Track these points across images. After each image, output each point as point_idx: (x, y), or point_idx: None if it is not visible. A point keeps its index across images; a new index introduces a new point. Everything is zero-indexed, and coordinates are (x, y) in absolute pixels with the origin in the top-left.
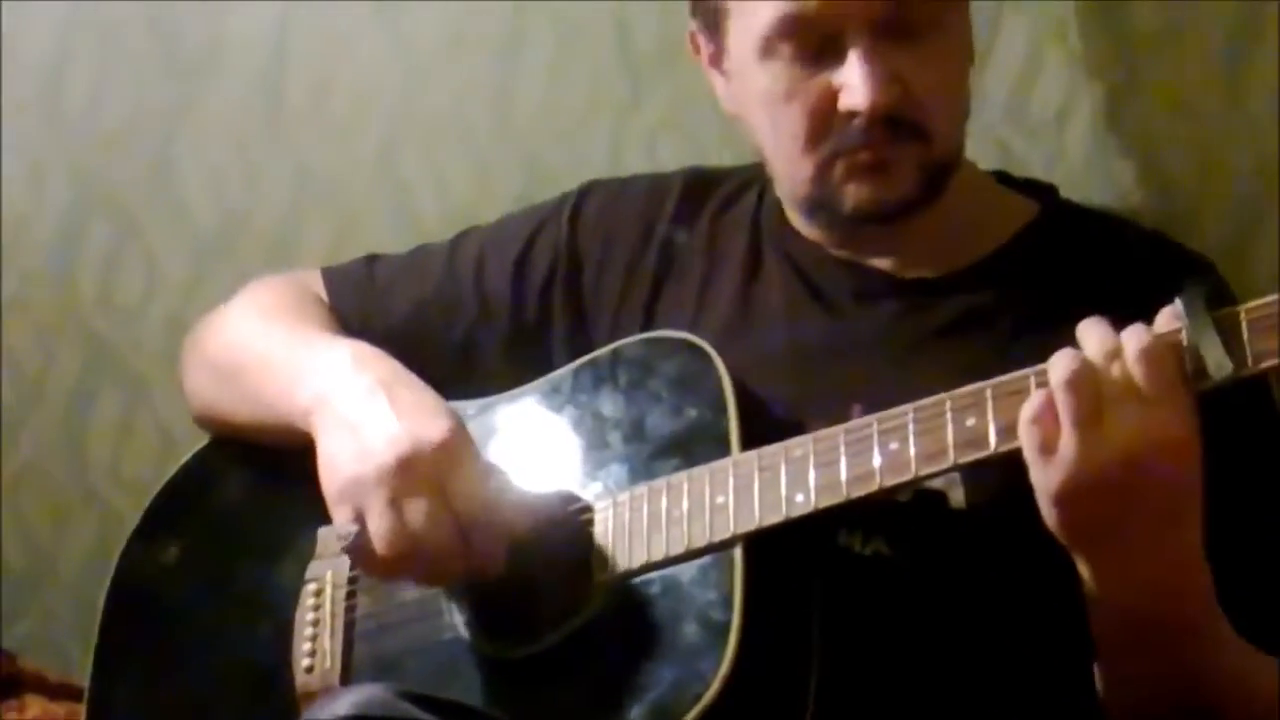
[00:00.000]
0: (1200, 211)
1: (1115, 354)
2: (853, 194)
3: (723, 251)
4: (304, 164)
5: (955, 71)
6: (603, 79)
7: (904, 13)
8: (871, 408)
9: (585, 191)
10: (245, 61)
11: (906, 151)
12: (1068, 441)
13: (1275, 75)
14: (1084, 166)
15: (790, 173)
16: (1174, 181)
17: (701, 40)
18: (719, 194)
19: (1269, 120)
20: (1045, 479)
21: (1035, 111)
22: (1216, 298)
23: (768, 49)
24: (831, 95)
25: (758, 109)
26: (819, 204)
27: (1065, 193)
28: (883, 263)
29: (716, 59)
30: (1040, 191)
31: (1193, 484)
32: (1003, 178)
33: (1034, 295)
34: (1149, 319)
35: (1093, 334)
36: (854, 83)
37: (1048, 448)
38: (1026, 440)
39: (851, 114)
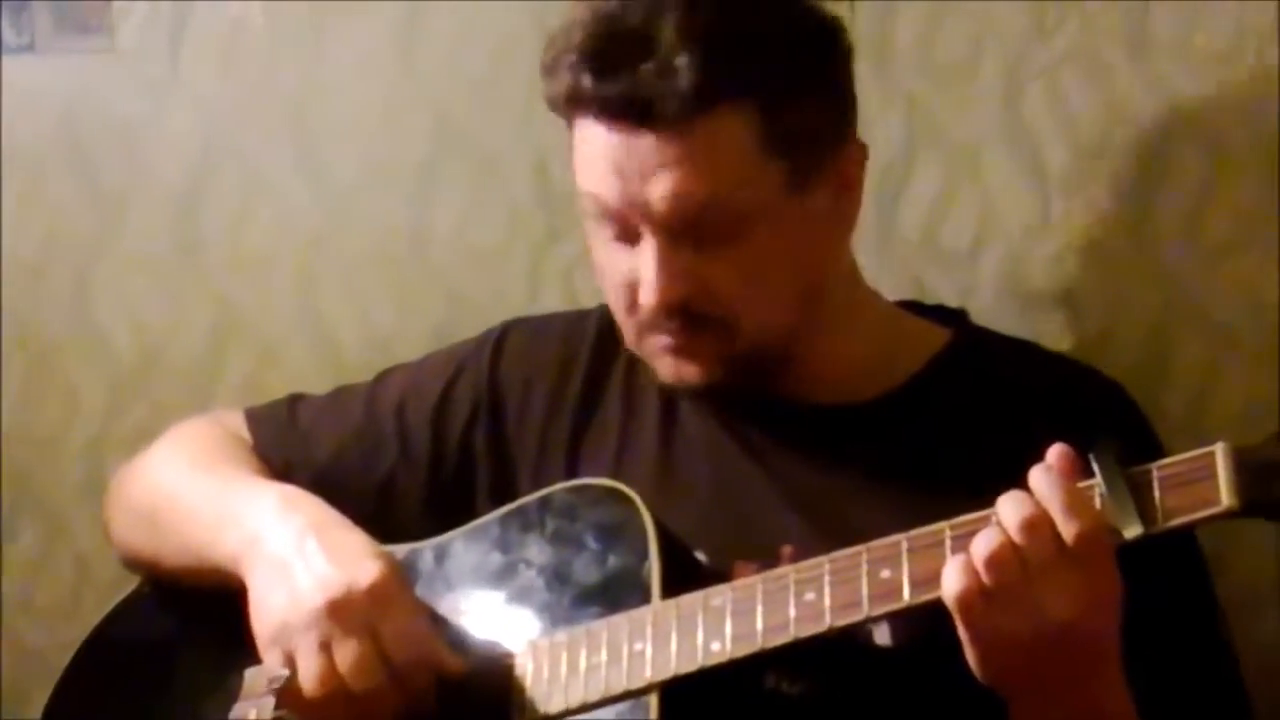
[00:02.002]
0: (1110, 342)
1: (1037, 522)
2: (663, 368)
3: (641, 391)
4: (222, 295)
5: (778, 262)
6: (520, 213)
7: (697, 223)
8: (800, 546)
9: (504, 332)
10: (163, 192)
11: (708, 342)
12: (994, 612)
13: (1182, 215)
14: (996, 299)
15: (623, 331)
16: (1084, 315)
17: None
18: None
19: (1177, 257)
20: (971, 638)
21: (947, 246)
22: (1125, 427)
23: (591, 219)
24: (634, 277)
25: (595, 266)
26: (646, 364)
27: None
28: (794, 395)
29: None
30: (950, 317)
31: (1114, 632)
32: (912, 306)
33: (949, 423)
34: (1059, 439)
35: (1011, 505)
36: (644, 277)
37: (972, 618)
38: (952, 606)
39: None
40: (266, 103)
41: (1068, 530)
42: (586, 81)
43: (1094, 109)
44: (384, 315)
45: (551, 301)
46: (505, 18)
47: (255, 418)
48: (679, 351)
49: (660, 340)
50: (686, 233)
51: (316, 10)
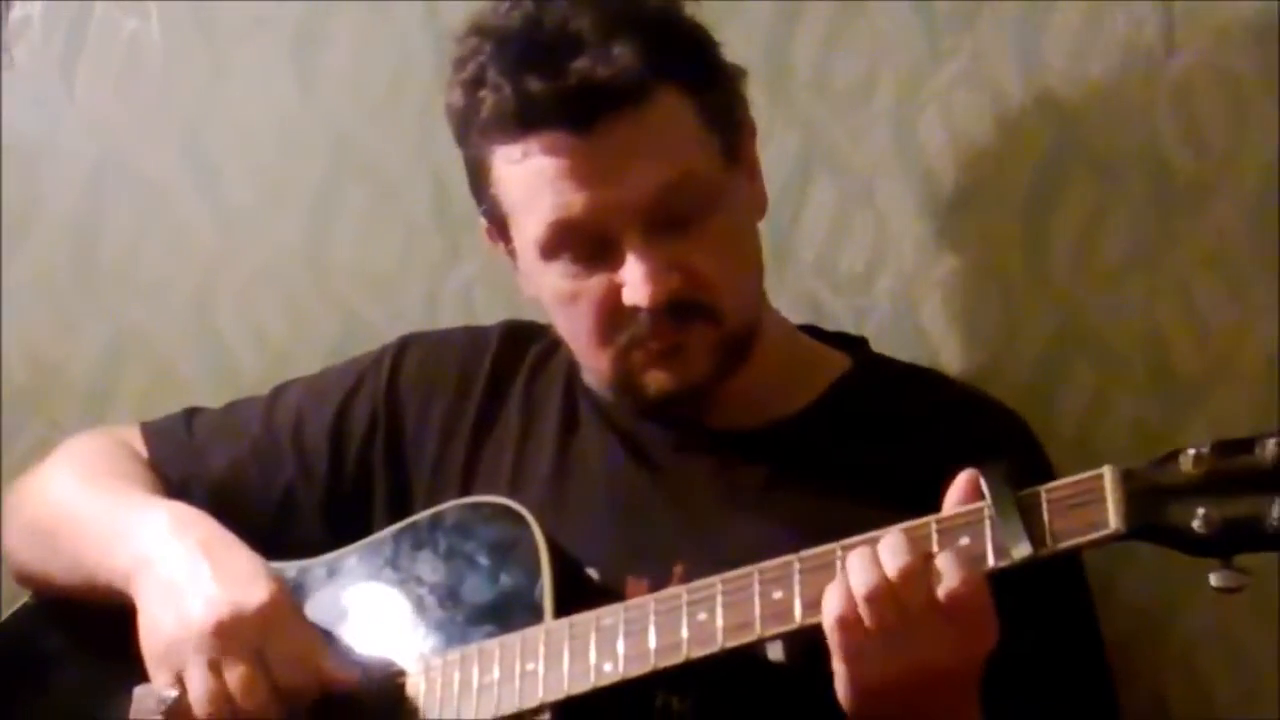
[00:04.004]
0: (1003, 365)
1: (915, 570)
2: (654, 380)
3: (539, 408)
4: (118, 316)
5: (737, 240)
6: (419, 233)
7: (672, 203)
8: (693, 566)
9: (403, 346)
10: (60, 212)
11: (698, 333)
12: (869, 642)
13: (1074, 238)
14: (891, 321)
15: (591, 364)
16: (978, 337)
17: (495, 234)
18: (535, 349)
19: (1069, 280)
20: (843, 660)
21: (843, 269)
22: (1020, 456)
23: (546, 253)
24: (615, 291)
25: (551, 305)
26: (625, 390)
27: (874, 346)
28: (698, 417)
29: (511, 252)
30: (851, 345)
31: (979, 670)
32: (814, 331)
33: (848, 450)
34: (957, 470)
35: (891, 547)
36: (633, 280)
37: (850, 648)
38: (830, 635)
39: (636, 308)
40: (163, 123)
41: (943, 589)
42: (535, 85)
43: (987, 132)
44: (281, 336)
45: (449, 322)
46: (403, 40)
47: (151, 431)
48: (673, 353)
49: (651, 347)
50: (663, 221)
51: (213, 31)
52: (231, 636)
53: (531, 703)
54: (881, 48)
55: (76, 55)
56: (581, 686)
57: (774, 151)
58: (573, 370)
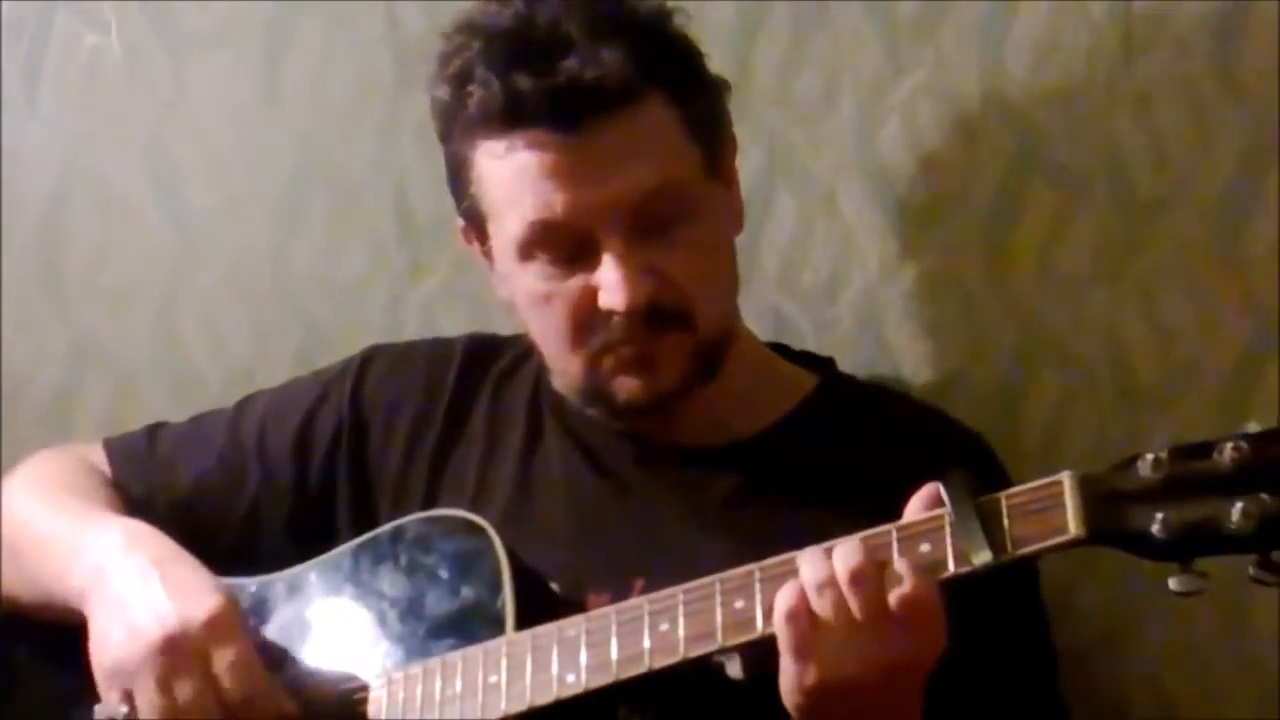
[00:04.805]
0: (967, 376)
1: (865, 571)
2: (624, 387)
3: (504, 422)
4: (81, 327)
5: (715, 251)
6: (382, 245)
7: (654, 209)
8: (653, 581)
9: (368, 358)
10: (23, 223)
11: (672, 341)
12: (817, 644)
13: (1037, 248)
14: (854, 333)
15: (562, 368)
16: (941, 349)
17: (471, 235)
18: (500, 363)
19: (1032, 291)
20: (791, 669)
21: (806, 281)
22: (982, 477)
23: (524, 253)
24: (591, 294)
25: (525, 306)
26: (593, 396)
27: (837, 358)
28: (663, 433)
29: (486, 253)
30: (818, 364)
31: (925, 677)
32: (782, 350)
33: (812, 469)
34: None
35: (844, 549)
36: (610, 283)
37: (798, 644)
38: (779, 631)
39: (612, 312)
40: (126, 134)
41: (895, 593)
42: (523, 82)
43: (949, 142)
44: (243, 347)
45: (412, 332)
46: (365, 50)
47: (113, 448)
48: (644, 360)
49: (623, 353)
50: (643, 226)
51: (176, 42)
52: (179, 650)
53: (494, 715)
54: (843, 59)
55: (38, 67)
56: (544, 698)
57: (739, 164)
58: (538, 383)
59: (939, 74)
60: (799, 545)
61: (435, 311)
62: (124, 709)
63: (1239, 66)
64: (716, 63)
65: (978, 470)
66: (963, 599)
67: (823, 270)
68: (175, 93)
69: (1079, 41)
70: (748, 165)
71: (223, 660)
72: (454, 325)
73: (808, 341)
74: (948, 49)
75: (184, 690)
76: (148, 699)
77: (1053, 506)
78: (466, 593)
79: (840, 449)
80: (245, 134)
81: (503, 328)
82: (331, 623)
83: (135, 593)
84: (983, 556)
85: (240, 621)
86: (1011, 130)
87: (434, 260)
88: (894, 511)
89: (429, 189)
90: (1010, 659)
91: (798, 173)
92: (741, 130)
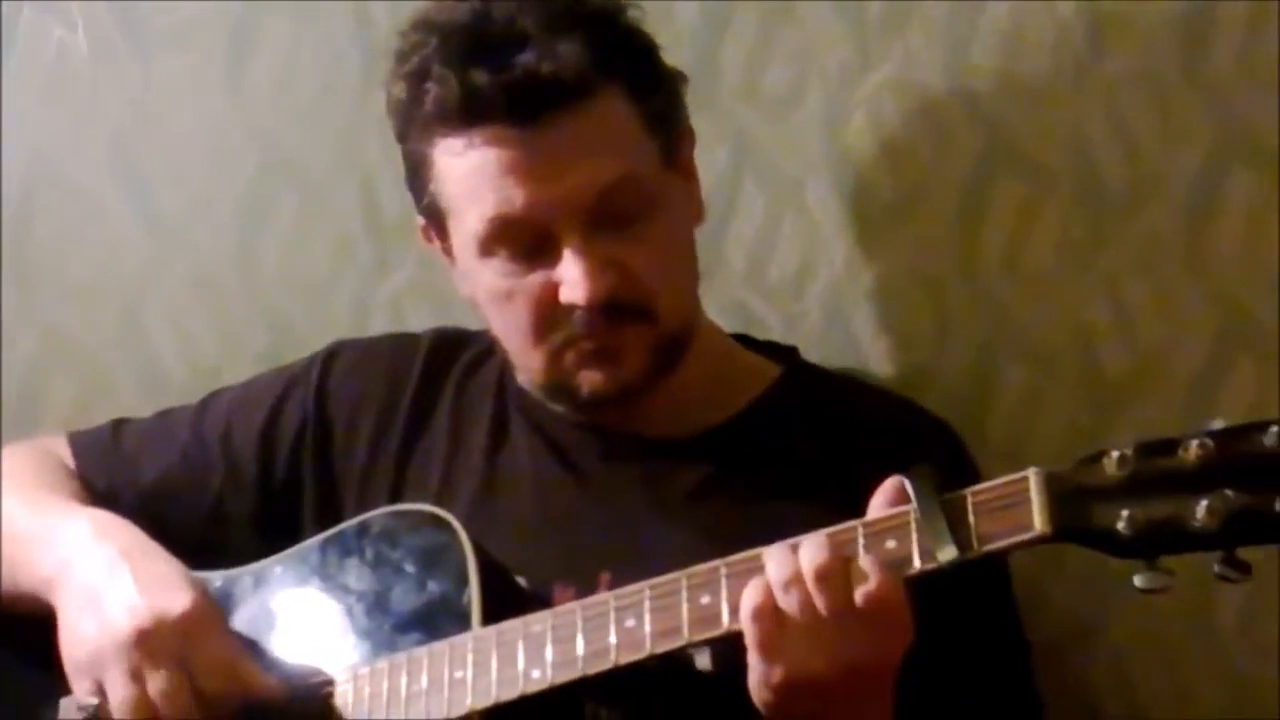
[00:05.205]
0: (935, 370)
1: (831, 568)
2: (586, 380)
3: (469, 416)
4: (48, 323)
5: (676, 243)
6: (348, 242)
7: (613, 203)
8: (619, 574)
9: (333, 353)
10: None
11: (633, 334)
12: (784, 641)
13: (1004, 243)
14: (822, 328)
15: (524, 363)
16: (909, 343)
17: (431, 233)
18: (465, 357)
19: (1000, 285)
20: (759, 666)
21: (773, 276)
22: (950, 466)
23: (485, 249)
24: (552, 289)
25: (487, 303)
26: (556, 390)
27: (805, 353)
28: (627, 425)
29: (447, 250)
30: (782, 354)
31: (894, 672)
32: (745, 340)
33: (777, 459)
34: (885, 478)
35: (810, 546)
36: (571, 277)
37: (765, 642)
38: (746, 628)
39: (573, 306)
40: (92, 131)
41: (857, 589)
42: (480, 78)
43: (916, 137)
44: (210, 345)
45: (379, 329)
46: (332, 47)
47: (78, 442)
48: (607, 354)
49: (585, 347)
50: (603, 220)
51: (140, 38)
52: (153, 644)
53: (460, 710)
54: (810, 55)
55: (4, 64)
56: (510, 693)
57: (703, 158)
58: (503, 377)
59: (906, 69)
60: (765, 536)
61: (402, 308)
62: (94, 700)
63: (1206, 62)
64: (683, 58)
65: (945, 459)
66: (935, 595)
67: (790, 265)
68: (142, 90)
69: (1046, 37)
70: (714, 160)
71: (198, 653)
72: (421, 321)
73: (775, 335)
74: (915, 45)
75: (157, 683)
76: (120, 691)
77: (1018, 503)
78: (432, 587)
79: (806, 437)
80: (212, 131)
81: (470, 323)
82: (297, 617)
83: (106, 585)
84: (948, 553)
85: (214, 614)
86: (979, 126)
87: (401, 257)
88: (861, 501)
89: (395, 186)
90: (984, 654)
91: (765, 168)
92: (708, 125)
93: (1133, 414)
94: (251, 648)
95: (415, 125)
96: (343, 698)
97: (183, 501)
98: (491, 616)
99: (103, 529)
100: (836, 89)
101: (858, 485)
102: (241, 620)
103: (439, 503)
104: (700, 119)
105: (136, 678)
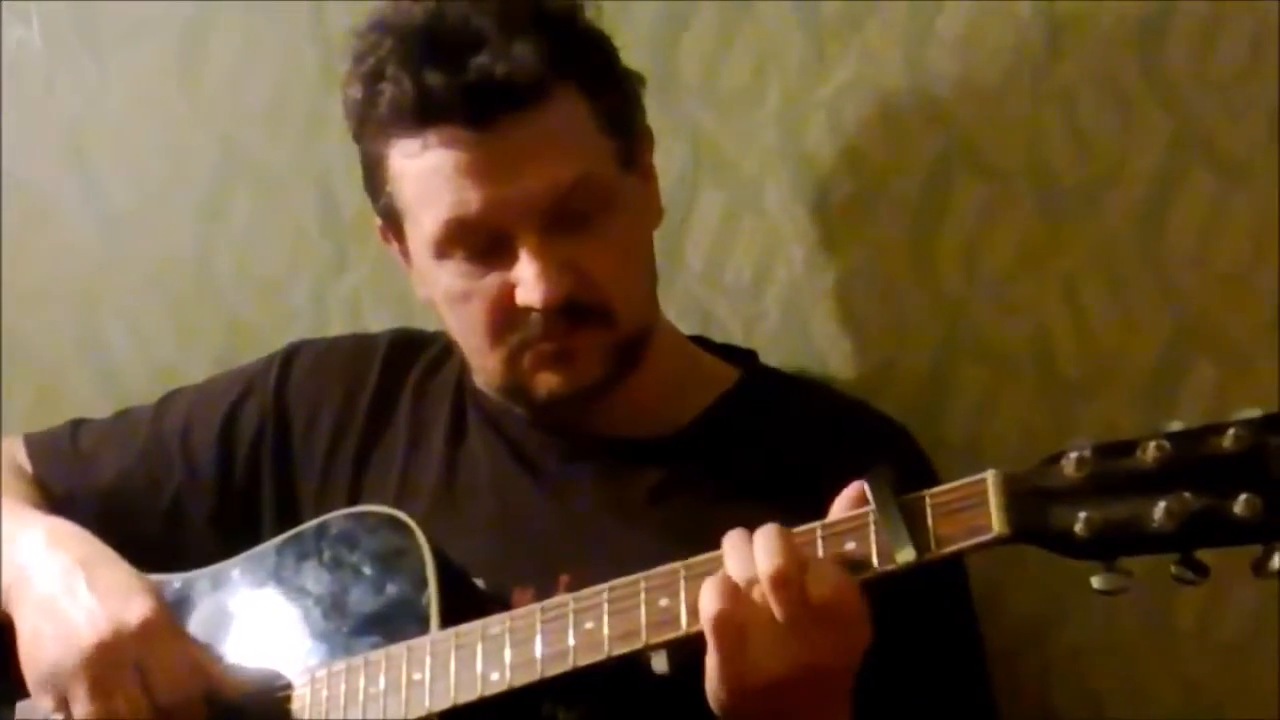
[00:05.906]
0: (893, 371)
1: (787, 570)
2: (544, 382)
3: (428, 417)
4: (2, 324)
5: (632, 244)
6: (305, 241)
7: (569, 204)
8: (578, 576)
9: (291, 353)
10: None
11: (591, 336)
12: (742, 643)
13: (962, 244)
14: (780, 329)
15: (482, 364)
16: (867, 344)
17: (389, 234)
18: (424, 358)
19: (958, 286)
20: (717, 667)
21: (731, 276)
22: (906, 474)
23: (441, 251)
24: (509, 291)
25: (444, 304)
26: (514, 392)
27: (763, 354)
28: (586, 427)
29: (404, 252)
30: (739, 357)
31: (853, 673)
32: (703, 343)
33: (736, 461)
34: (842, 481)
35: (767, 547)
36: (527, 279)
37: (724, 643)
38: (706, 629)
39: (530, 308)
40: (47, 130)
41: (814, 591)
42: (434, 79)
43: (875, 138)
44: (166, 345)
45: (337, 329)
46: (288, 45)
47: (34, 444)
48: (564, 355)
49: (542, 349)
50: (559, 222)
51: (96, 37)
52: (113, 654)
53: (418, 713)
54: (769, 55)
55: None
56: (468, 696)
57: (661, 158)
58: (462, 379)
59: (865, 70)
60: (722, 537)
61: (360, 307)
62: (59, 716)
63: (1163, 64)
64: (642, 58)
65: (901, 461)
66: (894, 597)
67: (748, 266)
68: (98, 88)
69: (1004, 39)
70: (673, 160)
71: (157, 662)
72: (379, 321)
73: (734, 336)
74: (873, 45)
75: (119, 695)
76: (83, 705)
77: (976, 505)
78: (391, 590)
79: (764, 441)
80: (168, 129)
81: (428, 322)
82: (255, 619)
83: (63, 595)
84: (906, 555)
85: (172, 622)
86: (936, 126)
87: (358, 256)
88: (819, 503)
89: (353, 185)
90: (940, 656)
91: (723, 168)
92: (667, 125)
93: (1090, 414)
94: (209, 651)
95: (371, 126)
96: (301, 700)
97: (141, 502)
98: (450, 619)
99: (57, 537)
100: (795, 89)
101: (816, 488)
102: (199, 623)
103: (397, 504)
104: (658, 118)
105: (98, 690)
